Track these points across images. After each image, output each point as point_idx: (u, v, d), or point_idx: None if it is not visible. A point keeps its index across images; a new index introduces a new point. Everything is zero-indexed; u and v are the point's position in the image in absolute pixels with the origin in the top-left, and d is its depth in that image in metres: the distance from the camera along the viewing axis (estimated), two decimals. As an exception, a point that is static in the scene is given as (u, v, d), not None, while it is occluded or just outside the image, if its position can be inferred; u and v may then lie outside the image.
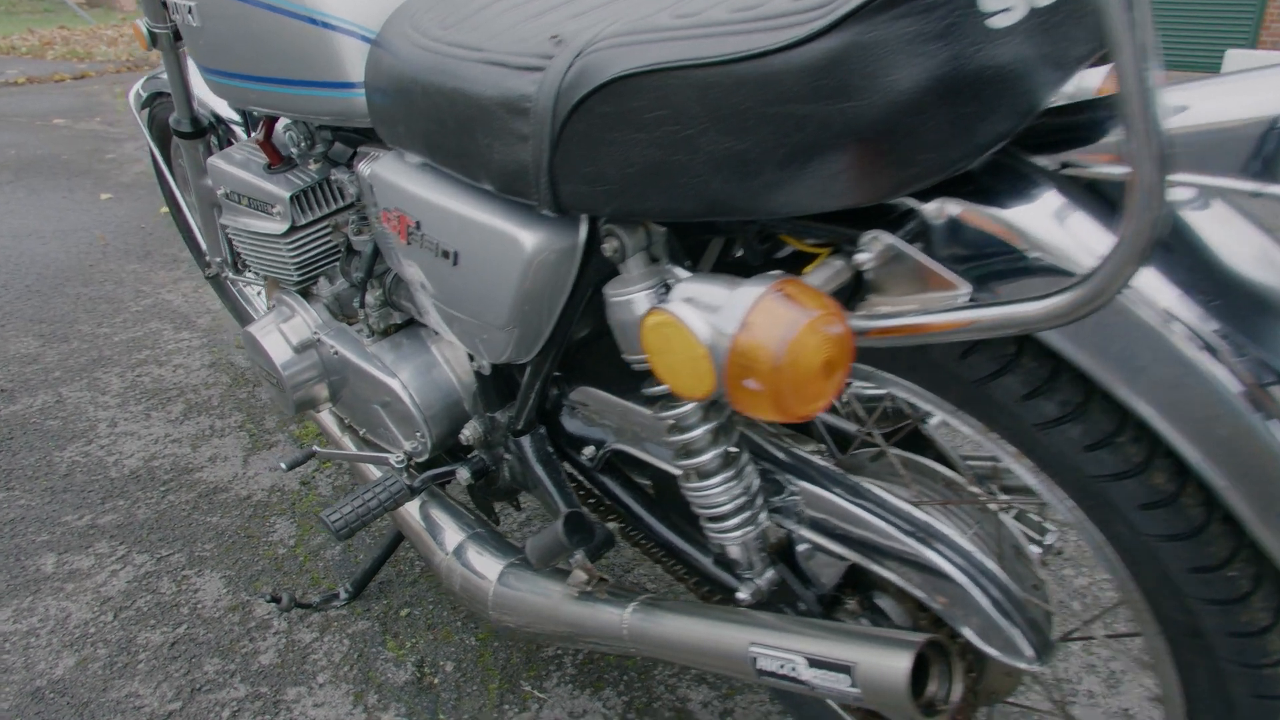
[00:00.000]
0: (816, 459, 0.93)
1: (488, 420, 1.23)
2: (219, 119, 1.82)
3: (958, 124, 0.60)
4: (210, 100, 1.82)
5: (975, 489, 0.92)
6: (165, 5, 1.55)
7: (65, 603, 1.57)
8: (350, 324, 1.40)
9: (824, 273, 0.68)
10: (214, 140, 1.82)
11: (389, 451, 1.37)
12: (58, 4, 12.23)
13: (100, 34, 9.84)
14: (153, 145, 2.07)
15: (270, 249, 1.37)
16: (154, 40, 1.61)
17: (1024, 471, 0.77)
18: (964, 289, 0.63)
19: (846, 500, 0.89)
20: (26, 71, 7.68)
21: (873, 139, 0.60)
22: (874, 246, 0.66)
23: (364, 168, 1.14)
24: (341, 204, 1.36)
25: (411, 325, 1.34)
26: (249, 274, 2.05)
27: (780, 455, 0.94)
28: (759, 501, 0.91)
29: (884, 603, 0.94)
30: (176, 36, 1.61)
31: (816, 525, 0.92)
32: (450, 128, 0.90)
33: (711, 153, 0.66)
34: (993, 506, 0.92)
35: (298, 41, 1.10)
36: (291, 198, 1.31)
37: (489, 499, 1.37)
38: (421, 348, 1.31)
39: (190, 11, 1.24)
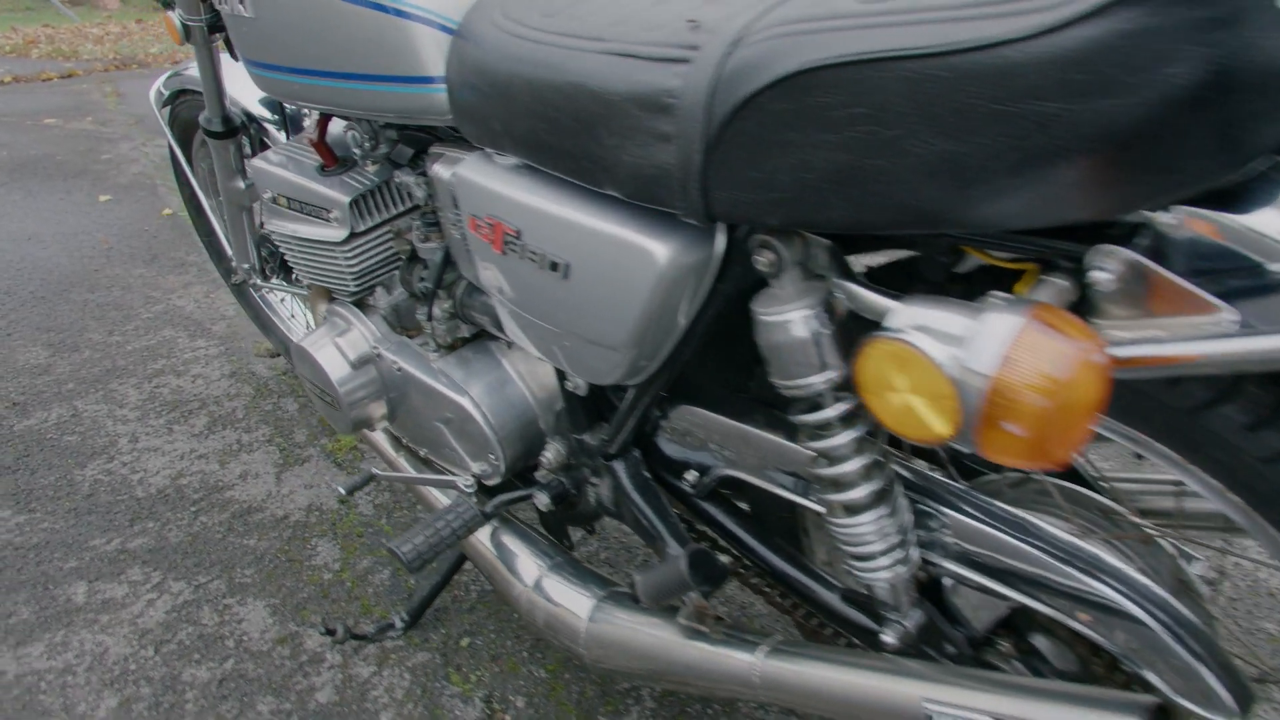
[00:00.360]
0: (962, 486, 0.84)
1: (574, 443, 1.14)
2: (251, 117, 1.72)
3: (1235, 125, 0.52)
4: (243, 98, 1.72)
5: (1136, 518, 0.85)
6: None
7: (101, 636, 1.47)
8: (410, 336, 1.31)
9: (1045, 293, 0.59)
10: (245, 140, 1.72)
11: (455, 474, 1.28)
12: (40, 2, 12.02)
13: (85, 32, 9.66)
14: (175, 145, 1.97)
15: (325, 257, 1.28)
16: (188, 34, 1.51)
17: (1230, 508, 0.69)
18: (1230, 314, 0.54)
19: (1002, 531, 0.81)
20: (12, 70, 7.52)
21: (1133, 142, 0.52)
22: (1112, 264, 0.57)
23: (443, 170, 1.05)
24: (403, 208, 1.26)
25: (480, 339, 1.26)
26: (277, 280, 1.95)
27: (924, 483, 0.86)
28: (911, 535, 0.83)
29: (1045, 645, 0.86)
30: (211, 30, 1.52)
31: (969, 560, 0.83)
32: (564, 127, 0.81)
33: (922, 156, 0.57)
34: (1155, 535, 0.84)
35: (370, 33, 1.01)
36: (351, 202, 1.21)
37: (563, 523, 1.28)
38: (493, 363, 1.22)
39: (243, 1, 1.15)
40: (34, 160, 4.62)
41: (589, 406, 1.11)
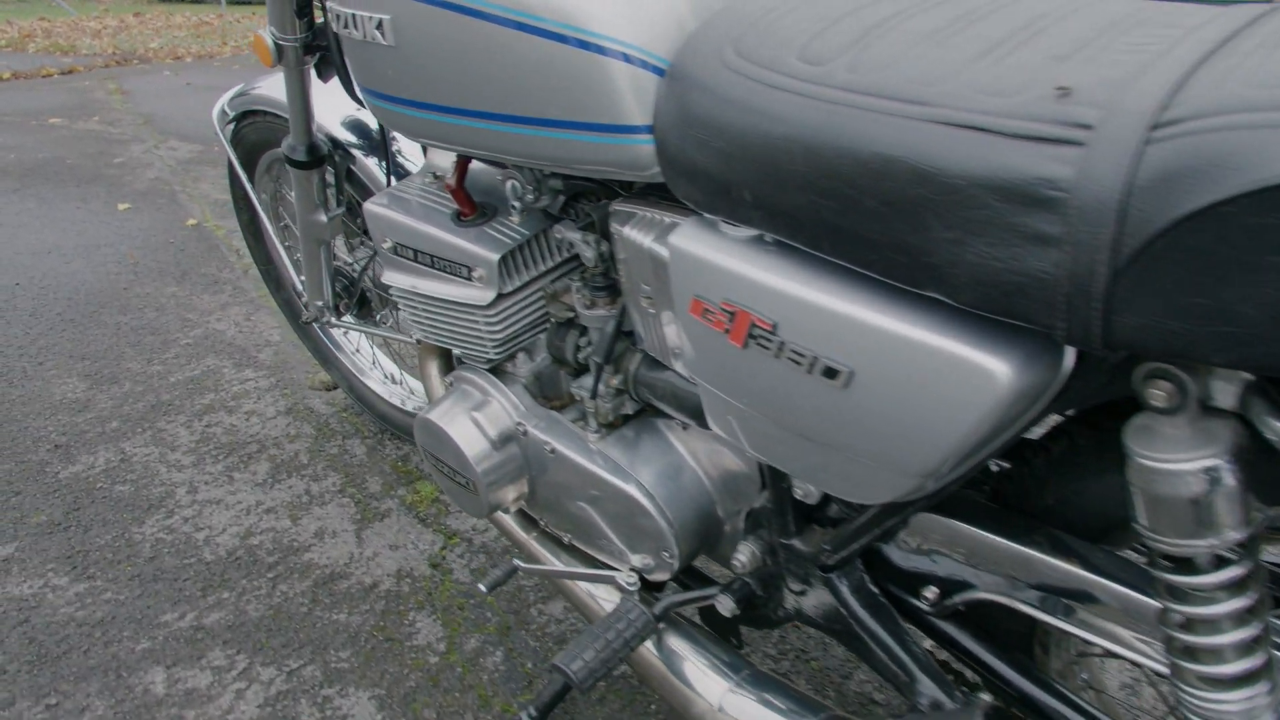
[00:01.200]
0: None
1: (779, 547, 0.98)
2: (338, 145, 1.55)
3: None
4: (328, 123, 1.55)
5: None
6: (307, 14, 1.28)
7: (188, 736, 1.31)
8: (554, 407, 1.15)
9: None
10: (329, 171, 1.56)
11: (613, 567, 1.12)
12: (33, -8, 11.75)
13: (83, 26, 9.42)
14: (240, 170, 1.79)
15: (464, 320, 1.12)
16: (280, 54, 1.34)
17: None
18: None
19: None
20: (10, 66, 7.29)
21: None
22: None
23: (641, 236, 0.89)
24: (552, 263, 1.10)
25: (643, 414, 1.10)
26: (352, 319, 1.79)
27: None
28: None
29: None
30: (306, 51, 1.35)
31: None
32: (868, 211, 0.65)
33: None
34: None
35: (557, 72, 0.84)
36: (500, 260, 1.05)
37: (734, 623, 1.13)
38: (664, 445, 1.06)
39: (379, 27, 0.98)
40: (44, 164, 4.42)
41: (804, 510, 0.95)
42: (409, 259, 1.15)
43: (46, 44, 8.25)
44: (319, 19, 1.35)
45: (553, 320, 1.10)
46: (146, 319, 2.70)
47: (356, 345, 2.06)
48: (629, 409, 1.07)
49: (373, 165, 1.55)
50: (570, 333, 1.07)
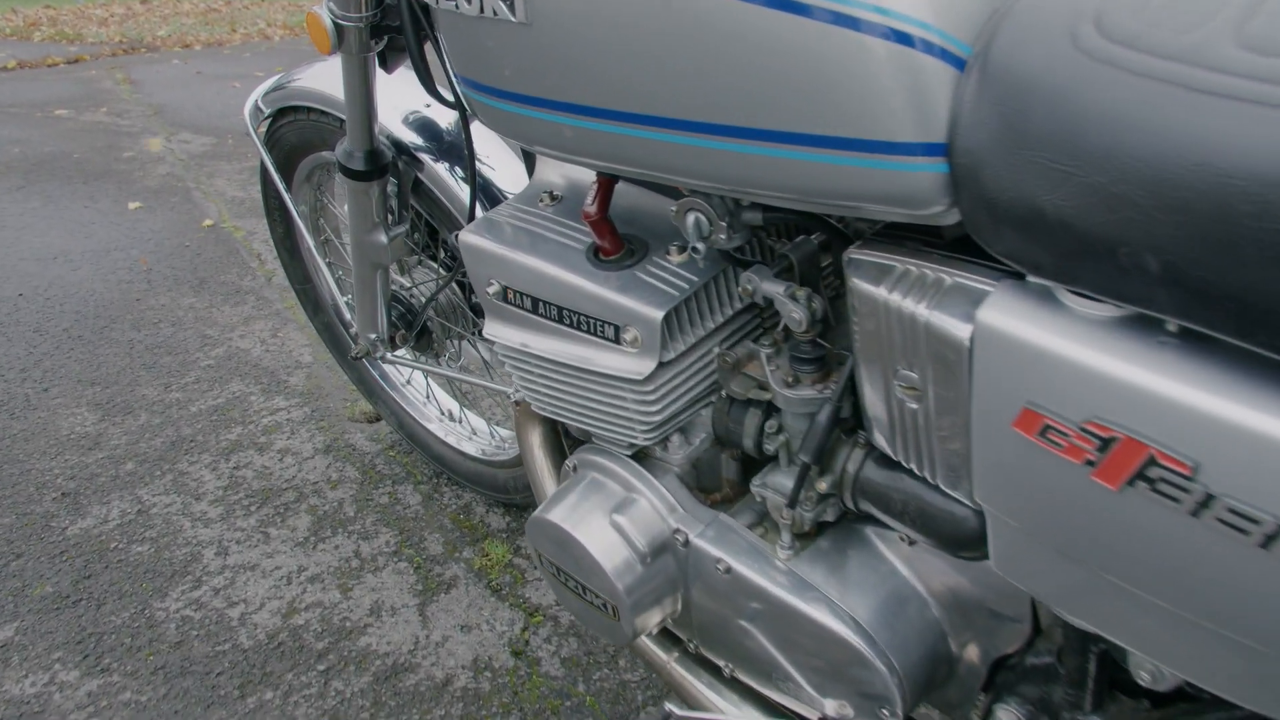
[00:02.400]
0: None
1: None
2: (403, 150, 1.27)
3: None
4: (392, 124, 1.28)
5: None
6: None
7: None
8: (712, 503, 0.87)
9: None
10: (392, 183, 1.28)
11: (801, 713, 0.85)
12: (37, -22, 11.46)
13: (89, 13, 9.14)
14: (276, 176, 1.51)
15: (605, 395, 0.84)
16: (340, 38, 1.07)
17: None
18: None
19: None
20: (15, 55, 7.00)
21: None
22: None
23: (898, 299, 0.61)
24: (723, 318, 0.83)
25: (844, 521, 0.82)
26: (409, 353, 1.52)
27: None
28: None
29: None
30: (373, 34, 1.07)
31: None
32: None
33: None
34: None
35: (802, 60, 0.57)
36: (665, 318, 0.77)
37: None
38: (879, 563, 0.79)
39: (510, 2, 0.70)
40: (50, 159, 4.15)
41: (1124, 686, 0.67)
42: (525, 309, 0.87)
43: (52, 32, 7.97)
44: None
45: (725, 394, 0.82)
46: (162, 336, 2.42)
47: (408, 376, 1.78)
48: (830, 516, 0.79)
49: (445, 174, 1.27)
50: (752, 413, 0.79)
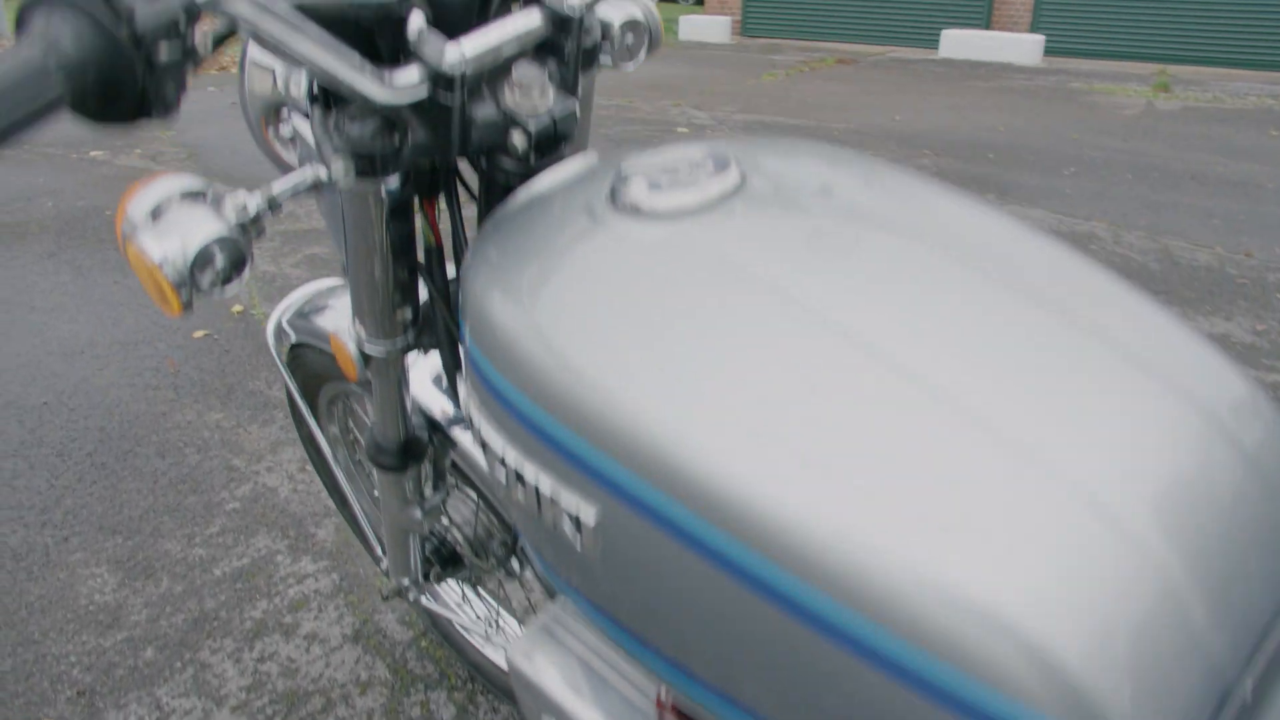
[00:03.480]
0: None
1: None
2: (436, 427, 1.14)
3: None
4: (423, 395, 1.14)
5: None
6: (412, 298, 0.88)
7: None
8: None
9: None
10: (427, 465, 1.15)
11: None
12: None
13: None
14: (302, 402, 1.39)
15: None
16: (366, 364, 0.94)
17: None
18: None
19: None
20: (52, 77, 6.97)
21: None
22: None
23: None
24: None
25: None
26: (448, 588, 1.39)
27: None
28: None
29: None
30: (403, 351, 0.94)
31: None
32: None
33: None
34: None
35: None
36: None
37: None
38: None
39: (575, 519, 0.56)
40: (83, 216, 4.08)
41: None
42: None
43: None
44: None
45: None
46: (187, 466, 2.33)
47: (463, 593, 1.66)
48: None
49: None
50: None
